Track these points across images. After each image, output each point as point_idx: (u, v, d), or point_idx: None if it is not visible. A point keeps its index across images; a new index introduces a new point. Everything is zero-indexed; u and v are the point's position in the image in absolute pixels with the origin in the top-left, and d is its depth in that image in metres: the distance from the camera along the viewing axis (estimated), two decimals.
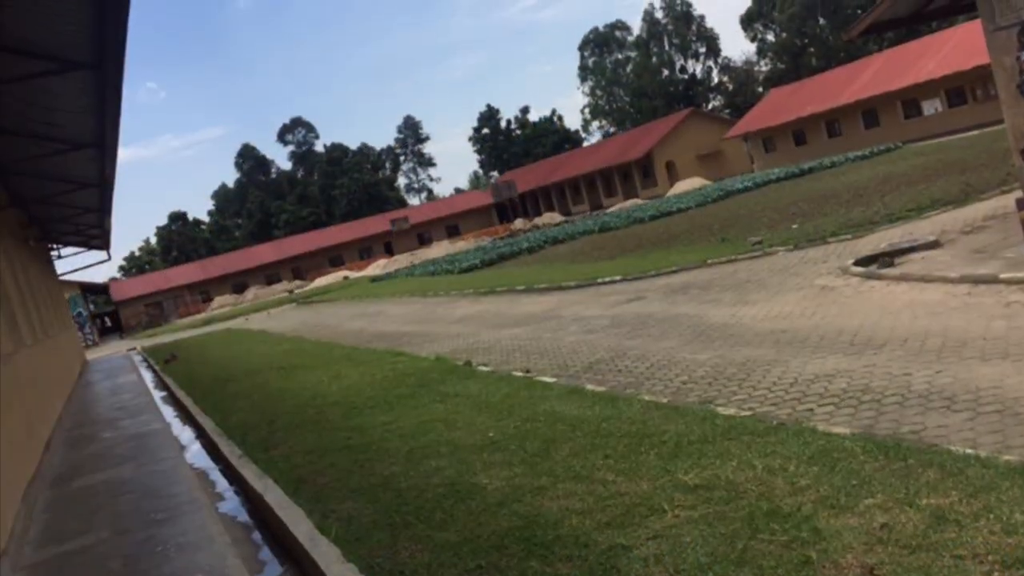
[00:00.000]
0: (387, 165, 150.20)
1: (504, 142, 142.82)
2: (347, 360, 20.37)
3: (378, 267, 79.41)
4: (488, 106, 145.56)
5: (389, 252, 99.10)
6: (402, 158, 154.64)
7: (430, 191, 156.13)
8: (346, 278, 78.81)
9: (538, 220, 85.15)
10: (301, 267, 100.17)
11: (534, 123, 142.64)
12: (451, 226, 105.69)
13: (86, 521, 10.93)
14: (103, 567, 8.91)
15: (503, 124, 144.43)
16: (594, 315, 19.53)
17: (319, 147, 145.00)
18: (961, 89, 55.77)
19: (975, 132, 49.78)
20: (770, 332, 13.33)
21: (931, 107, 58.42)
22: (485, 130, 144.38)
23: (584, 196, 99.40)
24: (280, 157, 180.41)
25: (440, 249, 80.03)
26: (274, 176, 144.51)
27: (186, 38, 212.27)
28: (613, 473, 7.90)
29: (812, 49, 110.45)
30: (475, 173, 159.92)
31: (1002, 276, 12.72)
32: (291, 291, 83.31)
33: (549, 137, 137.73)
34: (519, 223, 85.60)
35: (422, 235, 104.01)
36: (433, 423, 11.55)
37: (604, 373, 13.33)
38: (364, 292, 49.71)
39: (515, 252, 48.02)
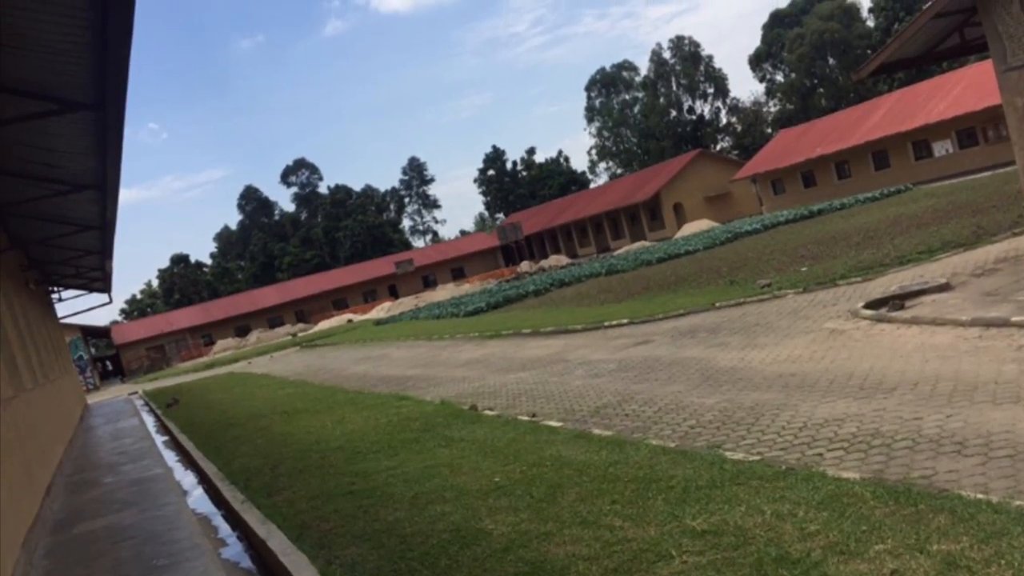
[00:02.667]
0: (391, 207, 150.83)
1: (510, 183, 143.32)
2: (351, 404, 20.37)
3: (382, 310, 79.58)
4: (494, 147, 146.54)
5: (393, 295, 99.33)
6: (407, 200, 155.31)
7: (435, 233, 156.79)
8: (350, 321, 78.92)
9: (544, 262, 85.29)
10: (304, 310, 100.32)
11: (540, 164, 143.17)
12: (456, 268, 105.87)
13: (87, 567, 10.92)
14: None
15: (509, 165, 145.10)
16: (601, 359, 19.55)
17: (323, 189, 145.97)
18: (972, 130, 55.93)
19: (986, 173, 49.89)
20: (779, 376, 13.34)
21: (942, 148, 58.56)
22: (491, 171, 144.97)
23: (591, 238, 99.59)
24: (283, 199, 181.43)
25: (445, 292, 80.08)
26: (277, 218, 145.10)
27: (189, 79, 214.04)
28: (620, 518, 7.90)
29: (821, 89, 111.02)
30: (480, 215, 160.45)
31: (1014, 319, 12.75)
32: (294, 334, 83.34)
33: (555, 178, 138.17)
34: (525, 265, 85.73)
35: (427, 278, 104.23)
36: (438, 468, 11.56)
37: (611, 417, 13.33)
38: (368, 335, 49.77)
39: (521, 295, 48.05)
